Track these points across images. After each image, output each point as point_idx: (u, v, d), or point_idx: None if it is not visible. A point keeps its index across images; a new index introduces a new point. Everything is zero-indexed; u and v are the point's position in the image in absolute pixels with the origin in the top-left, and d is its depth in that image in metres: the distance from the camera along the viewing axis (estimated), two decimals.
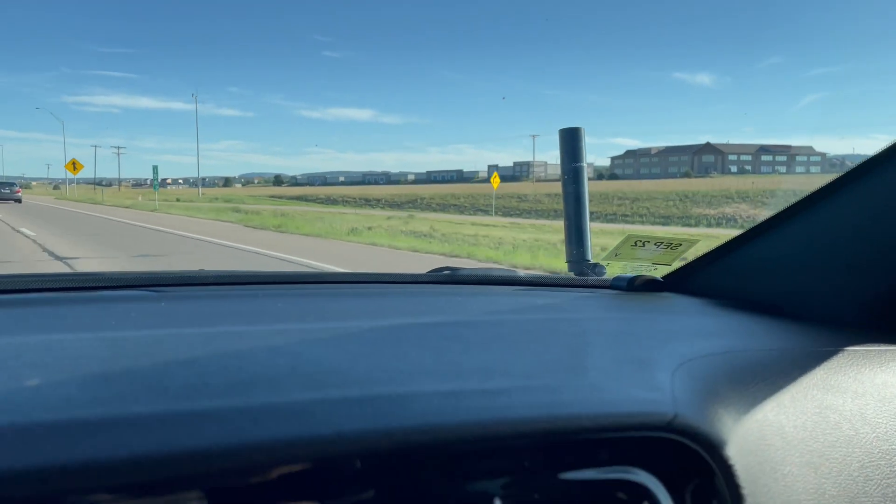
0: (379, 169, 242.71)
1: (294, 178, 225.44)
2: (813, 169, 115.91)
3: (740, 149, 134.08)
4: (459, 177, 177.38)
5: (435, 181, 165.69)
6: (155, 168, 33.44)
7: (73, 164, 44.90)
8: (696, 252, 1.11)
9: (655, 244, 1.16)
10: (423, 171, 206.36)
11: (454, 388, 0.55)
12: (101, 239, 14.08)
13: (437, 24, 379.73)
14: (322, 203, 51.57)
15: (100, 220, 21.36)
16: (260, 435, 0.44)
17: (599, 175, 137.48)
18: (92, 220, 21.28)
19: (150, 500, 0.41)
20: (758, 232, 0.94)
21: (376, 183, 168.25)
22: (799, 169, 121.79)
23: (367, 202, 50.66)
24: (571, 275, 1.30)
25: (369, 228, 18.54)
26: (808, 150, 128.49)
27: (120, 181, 79.40)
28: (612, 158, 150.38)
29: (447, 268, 1.19)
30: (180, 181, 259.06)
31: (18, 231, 14.98)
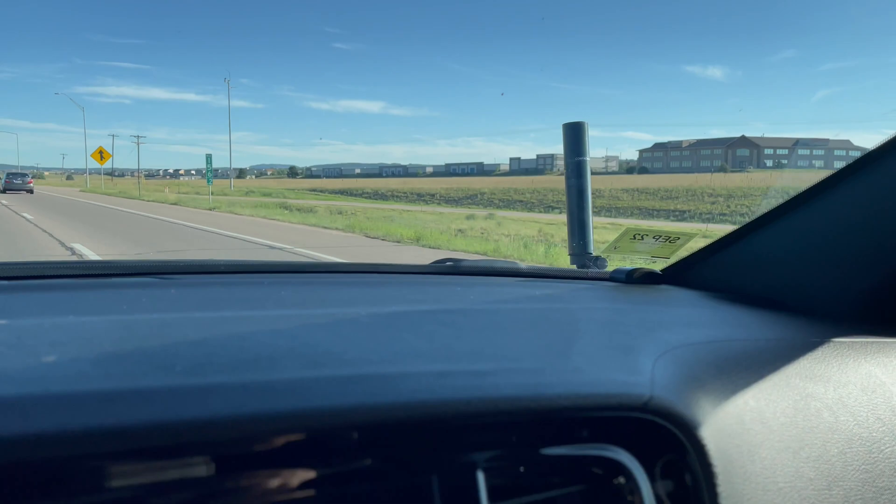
0: (389, 161, 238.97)
1: (309, 169, 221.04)
2: None
3: (777, 142, 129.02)
4: (480, 169, 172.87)
5: (454, 174, 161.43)
6: (208, 157, 26.06)
7: (101, 152, 40.35)
8: (694, 246, 1.12)
9: (654, 237, 1.20)
10: (441, 163, 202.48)
11: (444, 368, 0.58)
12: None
13: (447, 17, 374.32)
14: (369, 198, 47.26)
15: (167, 226, 17.13)
16: (259, 407, 0.47)
17: (629, 169, 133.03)
18: (157, 226, 17.10)
19: (158, 464, 0.45)
20: (755, 226, 0.95)
21: (394, 175, 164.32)
22: (838, 164, 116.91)
23: (420, 197, 46.37)
24: (574, 268, 1.32)
25: (460, 231, 15.37)
26: (846, 144, 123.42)
27: (139, 172, 75.41)
28: (641, 152, 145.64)
29: (450, 259, 1.19)
30: (192, 172, 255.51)
31: (69, 248, 10.52)
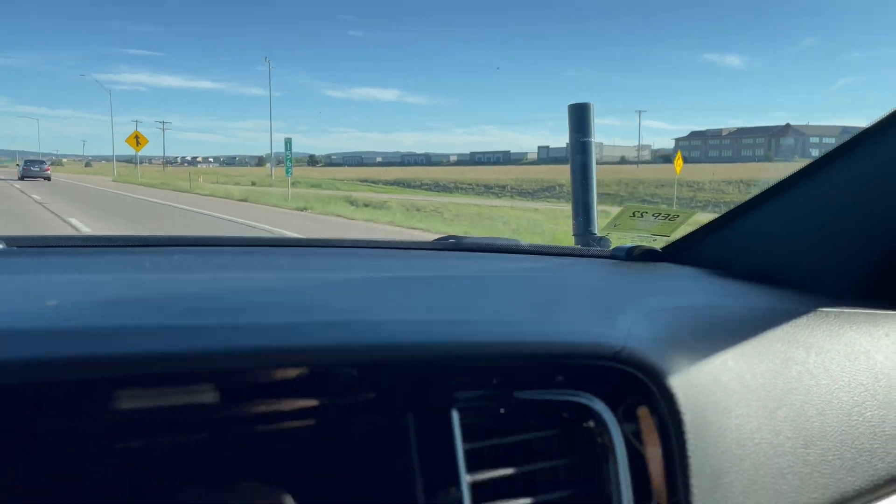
0: (403, 149, 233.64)
1: (329, 157, 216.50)
2: None
3: (822, 130, 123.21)
4: (506, 158, 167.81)
5: (479, 162, 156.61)
6: (287, 142, 20.77)
7: (136, 137, 35.99)
8: (695, 223, 1.12)
9: (654, 215, 1.21)
10: (461, 151, 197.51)
11: (424, 318, 0.61)
12: None
13: (462, 5, 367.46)
14: (430, 190, 42.73)
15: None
16: (246, 344, 0.50)
17: (665, 158, 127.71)
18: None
19: (153, 391, 0.48)
20: (754, 203, 0.96)
21: (417, 164, 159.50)
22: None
23: (489, 189, 41.81)
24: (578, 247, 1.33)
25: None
26: None
27: (164, 160, 71.27)
28: (677, 140, 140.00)
29: (452, 236, 1.22)
30: (210, 159, 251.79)
31: None
